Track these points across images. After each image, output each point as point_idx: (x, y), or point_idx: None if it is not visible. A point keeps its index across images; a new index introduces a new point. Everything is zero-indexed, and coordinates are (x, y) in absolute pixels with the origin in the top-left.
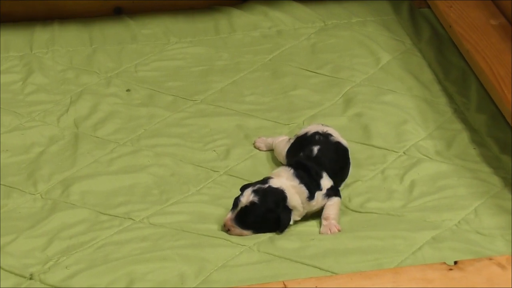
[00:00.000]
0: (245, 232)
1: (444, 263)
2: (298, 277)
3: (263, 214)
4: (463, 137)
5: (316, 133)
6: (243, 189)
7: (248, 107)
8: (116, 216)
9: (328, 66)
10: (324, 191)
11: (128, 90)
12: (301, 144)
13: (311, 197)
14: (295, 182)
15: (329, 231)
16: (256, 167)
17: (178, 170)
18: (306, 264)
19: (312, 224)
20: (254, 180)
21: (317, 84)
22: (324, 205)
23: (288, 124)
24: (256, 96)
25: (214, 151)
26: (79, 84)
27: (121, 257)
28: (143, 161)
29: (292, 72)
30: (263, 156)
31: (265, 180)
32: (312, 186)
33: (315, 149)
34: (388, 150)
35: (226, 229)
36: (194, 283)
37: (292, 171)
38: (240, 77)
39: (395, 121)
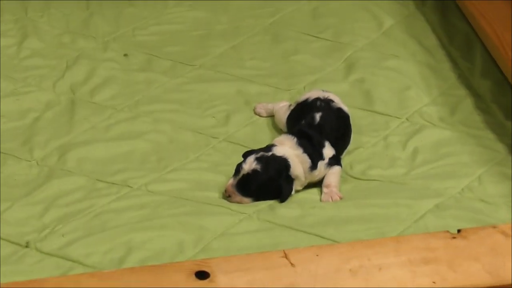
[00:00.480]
0: (245, 199)
1: (447, 231)
2: (299, 245)
3: (264, 182)
4: (467, 103)
5: (318, 99)
6: (245, 155)
7: (248, 73)
8: (114, 183)
9: (330, 31)
10: (326, 160)
11: (125, 55)
12: (302, 110)
13: (313, 166)
14: (299, 151)
15: (331, 199)
16: (256, 133)
17: (176, 137)
18: (307, 233)
19: (313, 192)
20: (254, 147)
21: (319, 49)
22: (325, 174)
23: (288, 90)
24: (256, 61)
25: (214, 117)
26: (75, 48)
27: (118, 225)
28: (141, 127)
29: (293, 37)
30: (263, 122)
31: (269, 148)
32: (315, 156)
33: (317, 116)
34: (391, 116)
35: (226, 195)
36: (193, 251)
37: (295, 139)
38: (240, 41)
39: (398, 87)
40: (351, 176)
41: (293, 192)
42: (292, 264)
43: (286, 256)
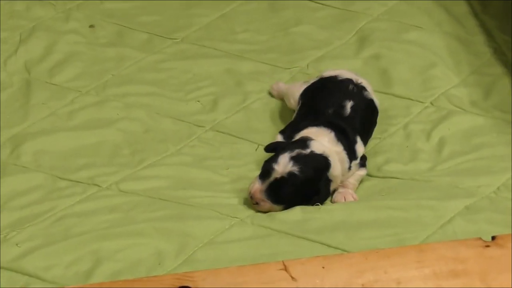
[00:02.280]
0: (276, 207)
1: (480, 238)
2: (301, 256)
3: (302, 186)
4: (504, 83)
5: (350, 81)
6: (272, 149)
7: (240, 47)
8: (78, 181)
9: None
10: (358, 160)
11: (91, 26)
12: (325, 90)
13: (350, 167)
14: (339, 147)
15: (344, 199)
16: (250, 121)
17: (153, 126)
18: (310, 240)
19: None
20: (246, 137)
21: (325, 18)
22: None
23: (289, 68)
24: (250, 34)
25: (198, 101)
26: (30, 18)
27: (84, 232)
28: (110, 114)
29: (294, 4)
30: (258, 107)
31: (305, 143)
32: (350, 154)
33: (348, 106)
34: (412, 100)
35: (254, 202)
36: (174, 263)
37: (333, 134)
38: (230, 9)
39: (420, 64)
40: None
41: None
42: (293, 278)
43: (285, 269)
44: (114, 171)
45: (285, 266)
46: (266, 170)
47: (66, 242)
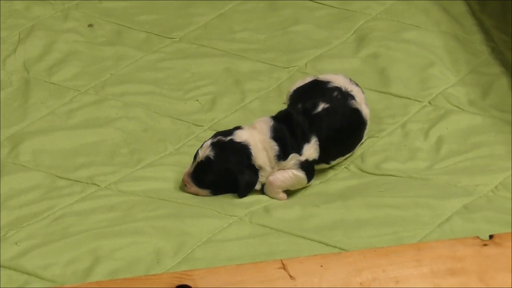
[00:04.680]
0: (201, 191)
1: (478, 237)
2: (299, 254)
3: (220, 172)
4: (502, 83)
5: (337, 88)
6: (214, 137)
7: (238, 46)
8: (77, 180)
9: None
10: (302, 158)
11: (90, 25)
12: (313, 89)
13: (282, 156)
14: (266, 136)
15: (270, 193)
16: (248, 120)
17: (152, 125)
18: (308, 239)
19: (316, 187)
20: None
21: (323, 17)
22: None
23: (287, 68)
24: (248, 33)
25: (197, 100)
26: (29, 17)
27: (83, 231)
28: (109, 113)
29: (293, 3)
30: (256, 107)
31: (231, 131)
32: (289, 145)
33: (321, 106)
34: (410, 99)
35: (184, 184)
36: (172, 261)
37: (272, 122)
38: (229, 8)
39: (418, 63)
40: (363, 170)
41: (258, 186)
42: (291, 277)
43: (284, 267)
44: (113, 171)
45: (283, 264)
46: (195, 155)
47: (65, 240)
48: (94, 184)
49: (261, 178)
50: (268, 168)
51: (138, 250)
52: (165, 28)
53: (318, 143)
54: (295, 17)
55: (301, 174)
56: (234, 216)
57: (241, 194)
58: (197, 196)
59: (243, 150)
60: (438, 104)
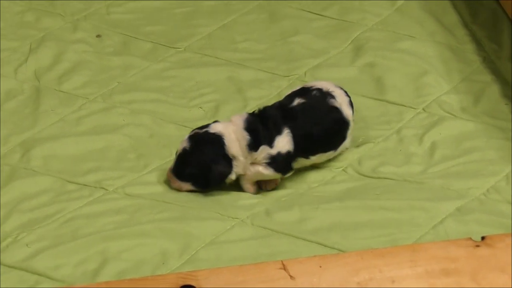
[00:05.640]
0: (183, 185)
1: (470, 238)
2: (299, 255)
3: (196, 163)
4: (493, 90)
5: (317, 88)
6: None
7: (240, 56)
8: (86, 185)
9: (335, 7)
10: (273, 151)
11: (98, 36)
12: (296, 93)
13: (253, 147)
14: (239, 127)
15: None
16: None
17: (158, 131)
18: (308, 240)
19: (316, 190)
20: None
21: (322, 28)
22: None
23: (287, 76)
24: (250, 43)
25: (201, 108)
26: (40, 28)
27: (92, 233)
28: (116, 120)
29: (293, 15)
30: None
31: (208, 125)
32: (261, 137)
33: (296, 101)
34: (405, 106)
35: (168, 180)
36: (178, 262)
37: (246, 116)
38: (231, 20)
39: (413, 72)
40: (360, 173)
41: (233, 176)
42: (291, 277)
43: (284, 268)
44: (120, 175)
45: (283, 265)
46: (176, 151)
47: (74, 242)
48: (102, 188)
49: (236, 168)
50: (241, 158)
51: (145, 252)
52: (170, 38)
53: (291, 135)
54: (294, 28)
55: (267, 172)
56: (237, 218)
57: (213, 182)
58: (200, 199)
59: (217, 141)
60: (432, 111)
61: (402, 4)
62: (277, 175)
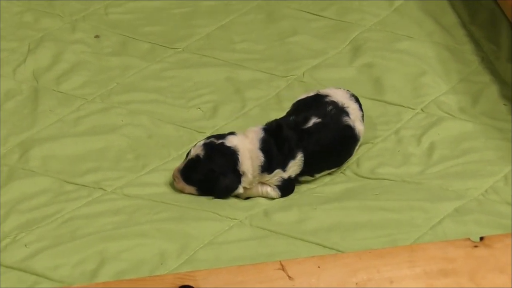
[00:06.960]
0: (187, 187)
1: (469, 239)
2: (298, 256)
3: (206, 172)
4: (492, 91)
5: (333, 103)
6: (208, 138)
7: (239, 56)
8: (84, 185)
9: (333, 8)
10: (285, 175)
11: (97, 36)
12: (310, 103)
13: (268, 169)
14: (254, 146)
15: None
16: (248, 127)
17: (156, 131)
18: (306, 241)
19: (314, 190)
20: None
21: (320, 29)
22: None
23: (285, 77)
24: (248, 43)
25: (199, 108)
26: (39, 29)
27: (90, 233)
28: (115, 120)
29: (291, 15)
30: (257, 114)
31: (224, 135)
32: (276, 159)
33: (312, 121)
34: (404, 106)
35: (173, 179)
36: (176, 262)
37: (262, 134)
38: (229, 20)
39: (411, 72)
40: (358, 175)
41: (240, 190)
42: (290, 277)
43: (283, 268)
44: (118, 176)
45: (282, 265)
46: (187, 152)
47: (73, 243)
48: (101, 188)
49: (243, 184)
50: (250, 176)
51: (143, 252)
52: (169, 39)
53: (303, 159)
54: (293, 28)
55: (274, 194)
56: (235, 219)
57: (218, 195)
58: (199, 200)
59: (231, 155)
60: (430, 112)
61: (400, 4)
62: (281, 197)
